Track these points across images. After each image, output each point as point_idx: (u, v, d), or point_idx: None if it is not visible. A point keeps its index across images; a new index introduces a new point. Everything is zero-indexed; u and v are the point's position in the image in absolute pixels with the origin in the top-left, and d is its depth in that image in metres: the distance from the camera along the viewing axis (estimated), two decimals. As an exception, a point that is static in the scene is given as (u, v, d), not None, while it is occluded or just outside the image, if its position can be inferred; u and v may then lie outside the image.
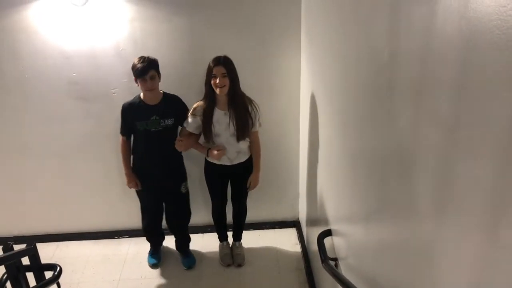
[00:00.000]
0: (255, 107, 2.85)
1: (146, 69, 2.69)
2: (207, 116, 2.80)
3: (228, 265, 3.35)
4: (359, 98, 1.67)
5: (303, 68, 3.12)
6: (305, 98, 3.09)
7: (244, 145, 2.94)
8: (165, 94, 2.93)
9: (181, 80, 3.12)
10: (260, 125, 2.93)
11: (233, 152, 2.92)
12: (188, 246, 3.46)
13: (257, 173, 3.09)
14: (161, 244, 3.53)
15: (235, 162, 2.96)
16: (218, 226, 3.41)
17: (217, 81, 2.64)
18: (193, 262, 3.40)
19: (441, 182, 1.00)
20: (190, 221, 3.38)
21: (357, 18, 1.67)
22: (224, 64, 2.65)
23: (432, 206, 1.06)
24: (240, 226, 3.41)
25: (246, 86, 2.84)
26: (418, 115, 1.10)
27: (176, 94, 2.98)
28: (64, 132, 3.34)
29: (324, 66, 2.38)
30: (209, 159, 2.97)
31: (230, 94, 2.73)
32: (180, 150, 2.95)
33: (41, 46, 3.03)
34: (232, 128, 2.82)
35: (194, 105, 2.85)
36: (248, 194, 3.24)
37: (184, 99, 2.97)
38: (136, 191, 3.17)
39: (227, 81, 2.66)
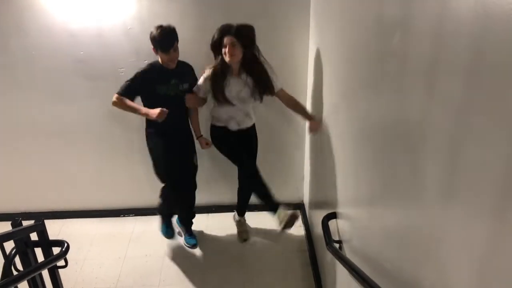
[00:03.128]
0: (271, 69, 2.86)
1: (172, 43, 2.69)
2: (218, 81, 2.82)
3: (245, 240, 3.47)
4: (368, 77, 1.66)
5: (311, 51, 3.09)
6: (312, 80, 3.07)
7: (251, 109, 3.02)
8: (178, 60, 2.90)
9: (188, 58, 3.09)
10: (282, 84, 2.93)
11: (242, 116, 2.98)
12: (191, 222, 3.49)
13: (312, 118, 2.93)
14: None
15: (243, 126, 3.02)
16: (243, 195, 3.41)
17: (227, 50, 2.66)
18: (195, 241, 3.45)
19: (450, 166, 1.00)
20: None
21: (367, 1, 1.64)
22: (235, 34, 2.65)
23: (439, 190, 1.06)
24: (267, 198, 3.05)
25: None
26: (429, 98, 1.09)
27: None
28: (70, 110, 3.35)
29: (332, 49, 2.36)
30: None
31: (244, 62, 2.76)
32: (189, 105, 2.96)
33: (48, 23, 3.02)
34: (246, 91, 2.84)
35: (205, 72, 2.88)
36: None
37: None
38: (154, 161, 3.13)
39: (236, 51, 2.68)
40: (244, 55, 2.72)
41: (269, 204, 3.02)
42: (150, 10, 3.00)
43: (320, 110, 2.74)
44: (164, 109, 2.75)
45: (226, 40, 2.66)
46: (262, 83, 2.83)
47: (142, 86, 2.85)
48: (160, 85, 2.84)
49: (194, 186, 3.31)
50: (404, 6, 1.26)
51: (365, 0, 1.70)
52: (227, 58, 2.69)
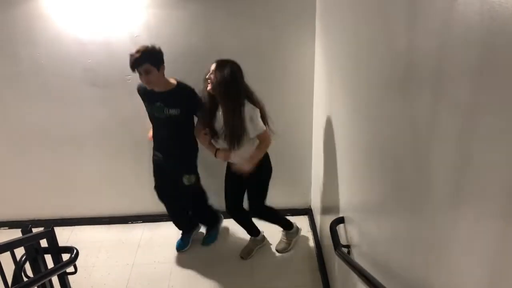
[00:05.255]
0: (253, 108, 2.65)
1: (137, 63, 2.57)
2: (208, 111, 2.74)
3: (241, 258, 3.37)
4: (375, 83, 1.66)
5: (317, 54, 3.10)
6: (318, 85, 3.07)
7: (246, 151, 2.78)
8: (178, 84, 2.85)
9: (194, 67, 3.10)
10: (268, 125, 2.79)
11: (236, 158, 2.83)
12: (206, 223, 3.55)
13: (249, 163, 2.80)
14: (191, 228, 3.56)
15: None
16: (239, 224, 3.35)
17: (207, 77, 2.61)
18: (209, 240, 3.52)
19: (458, 169, 0.99)
20: (203, 212, 3.46)
21: (374, 3, 1.65)
22: (217, 63, 2.58)
23: (448, 194, 1.06)
24: (276, 222, 3.39)
25: (259, 72, 2.81)
26: (436, 101, 1.09)
27: (191, 82, 2.90)
28: (79, 118, 3.38)
29: (339, 52, 2.36)
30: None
31: (218, 97, 2.64)
32: (198, 140, 2.94)
33: (57, 33, 3.06)
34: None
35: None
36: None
37: (198, 86, 2.90)
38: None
39: (213, 79, 2.57)
40: (216, 90, 2.58)
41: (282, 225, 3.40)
42: (157, 18, 3.02)
43: (327, 116, 2.74)
44: (149, 136, 3.05)
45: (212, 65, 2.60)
46: (231, 128, 2.64)
47: (142, 98, 2.94)
48: (147, 104, 2.91)
49: (189, 205, 3.36)
50: (410, 9, 1.26)
51: (371, 3, 1.70)
52: (209, 87, 2.61)
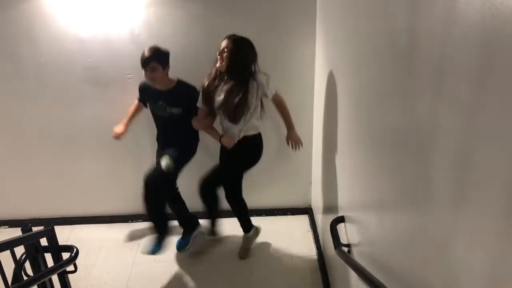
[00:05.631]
0: (259, 80, 2.67)
1: (147, 61, 2.71)
2: (207, 90, 2.75)
3: (240, 258, 3.35)
4: (375, 82, 1.66)
5: (317, 53, 3.10)
6: (319, 83, 3.07)
7: (245, 125, 2.80)
8: (179, 82, 2.92)
9: (195, 65, 3.11)
10: (275, 91, 2.81)
11: (237, 131, 2.82)
12: (185, 226, 3.50)
13: (292, 130, 2.98)
14: (192, 228, 3.52)
15: (241, 135, 2.84)
16: (233, 210, 3.26)
17: (217, 53, 2.63)
18: (182, 245, 3.45)
19: (460, 169, 0.99)
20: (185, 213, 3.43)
21: (375, 2, 1.65)
22: (232, 40, 2.60)
23: (449, 193, 1.05)
24: (239, 217, 3.33)
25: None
26: (437, 99, 1.09)
27: (190, 80, 2.95)
28: (79, 116, 3.38)
29: (339, 52, 2.36)
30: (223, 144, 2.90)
31: (228, 74, 2.66)
32: (196, 128, 2.95)
33: (57, 31, 3.06)
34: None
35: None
36: (261, 181, 3.23)
37: (199, 85, 2.93)
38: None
39: (226, 58, 2.60)
40: (229, 67, 2.62)
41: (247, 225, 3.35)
42: (157, 17, 3.02)
43: (328, 115, 2.74)
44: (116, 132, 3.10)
45: (223, 42, 2.62)
46: (231, 103, 2.64)
47: (143, 96, 3.05)
48: (150, 102, 3.01)
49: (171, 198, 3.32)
50: (411, 8, 1.26)
51: (371, 3, 1.70)
52: (218, 64, 2.64)
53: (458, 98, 0.98)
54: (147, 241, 3.29)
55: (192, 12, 3.03)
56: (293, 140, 3.00)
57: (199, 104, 2.84)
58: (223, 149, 2.96)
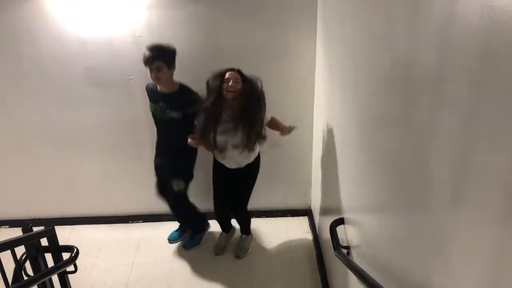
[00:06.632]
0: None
1: (150, 59, 2.65)
2: (211, 119, 2.70)
3: (216, 254, 3.40)
4: (375, 84, 1.67)
5: (318, 54, 3.10)
6: (319, 86, 3.08)
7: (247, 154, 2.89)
8: (181, 86, 2.88)
9: (197, 67, 3.12)
10: (270, 117, 2.94)
11: (241, 156, 2.88)
12: (191, 227, 3.56)
13: (284, 129, 3.03)
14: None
15: (244, 164, 2.95)
16: (219, 222, 3.41)
17: (230, 83, 2.58)
18: (191, 244, 3.50)
19: (458, 171, 1.00)
20: (190, 217, 3.48)
21: (375, 6, 1.66)
22: (238, 71, 2.64)
23: (448, 195, 1.06)
24: (243, 227, 3.46)
25: (260, 73, 2.80)
26: (436, 103, 1.10)
27: (192, 81, 2.93)
28: (80, 117, 3.39)
29: (340, 53, 2.37)
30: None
31: (241, 102, 2.65)
32: (192, 145, 2.85)
33: (59, 33, 3.06)
34: (238, 138, 2.74)
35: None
36: (261, 182, 3.23)
37: (200, 86, 2.88)
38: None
39: (239, 86, 2.61)
40: (242, 94, 2.63)
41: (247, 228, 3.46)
42: (159, 18, 3.03)
43: (328, 117, 2.75)
44: None
45: (229, 74, 2.60)
46: (249, 136, 2.71)
47: (149, 96, 3.00)
48: (151, 103, 2.97)
49: (177, 205, 3.34)
50: (411, 10, 1.27)
51: (372, 5, 1.71)
52: (228, 94, 2.60)
53: (457, 100, 0.98)
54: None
55: (193, 14, 3.03)
56: (286, 131, 3.05)
57: (196, 122, 2.82)
58: (226, 173, 3.01)
